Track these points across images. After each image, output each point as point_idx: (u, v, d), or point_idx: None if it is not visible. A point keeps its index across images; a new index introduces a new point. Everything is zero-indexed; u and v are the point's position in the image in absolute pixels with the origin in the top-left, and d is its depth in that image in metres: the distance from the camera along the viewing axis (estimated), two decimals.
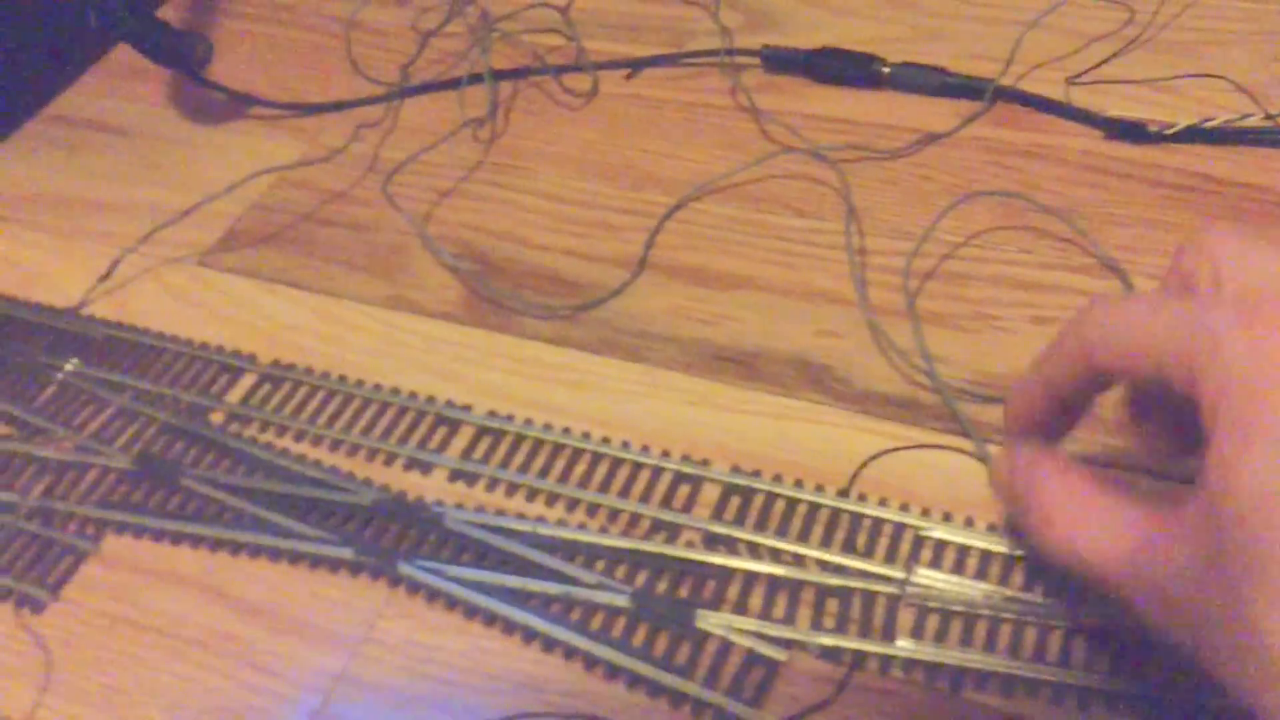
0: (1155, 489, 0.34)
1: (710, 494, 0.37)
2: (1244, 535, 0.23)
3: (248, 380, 0.43)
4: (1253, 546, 0.23)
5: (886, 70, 0.51)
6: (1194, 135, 0.46)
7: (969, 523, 0.35)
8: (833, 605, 0.34)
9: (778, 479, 0.37)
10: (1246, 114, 0.46)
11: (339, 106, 0.55)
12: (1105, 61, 0.51)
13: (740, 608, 0.34)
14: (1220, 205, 0.44)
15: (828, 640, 0.33)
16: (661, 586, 0.35)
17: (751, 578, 0.35)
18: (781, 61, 0.53)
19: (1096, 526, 0.27)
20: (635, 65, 0.55)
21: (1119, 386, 0.31)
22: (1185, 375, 0.25)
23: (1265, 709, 0.23)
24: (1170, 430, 0.30)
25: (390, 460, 0.39)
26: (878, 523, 0.35)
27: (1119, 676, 0.31)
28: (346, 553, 0.36)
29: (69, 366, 0.44)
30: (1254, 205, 0.44)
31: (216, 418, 0.42)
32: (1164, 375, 0.26)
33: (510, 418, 0.40)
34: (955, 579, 0.33)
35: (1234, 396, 0.24)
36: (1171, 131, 0.46)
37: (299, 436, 0.41)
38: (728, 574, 0.35)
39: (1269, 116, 0.46)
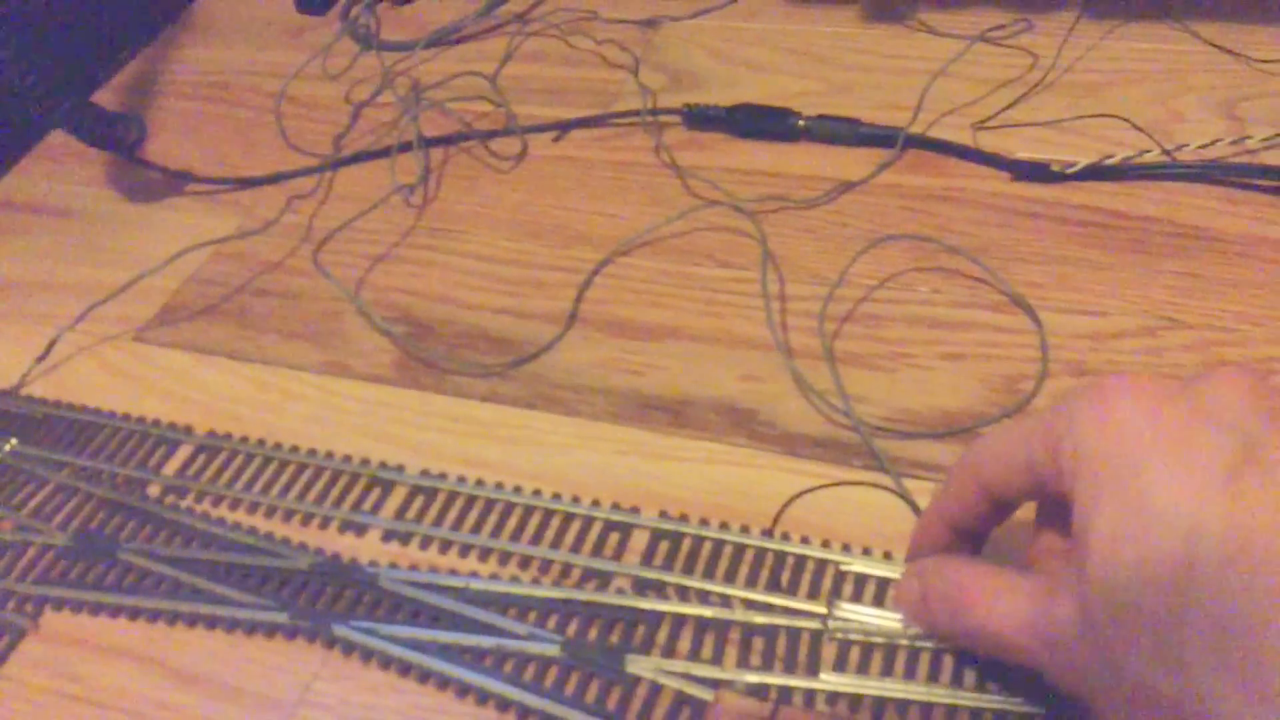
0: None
1: (640, 540, 0.38)
2: (1100, 580, 0.25)
3: (184, 452, 0.44)
4: (1108, 590, 0.25)
5: (802, 123, 0.53)
6: (1095, 173, 0.48)
7: (888, 556, 0.36)
8: (759, 643, 0.35)
9: (705, 522, 0.38)
10: (1144, 150, 0.48)
11: (273, 179, 0.56)
12: (1010, 106, 0.53)
13: (669, 650, 0.35)
14: (1121, 239, 0.46)
15: (753, 678, 0.33)
16: (593, 634, 0.36)
17: (680, 620, 0.35)
18: (702, 119, 0.55)
19: (1004, 604, 0.29)
20: (562, 127, 0.57)
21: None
22: (1052, 467, 0.28)
23: None
24: (1062, 534, 0.31)
25: (325, 523, 0.40)
26: (801, 560, 0.36)
27: (1032, 699, 0.32)
28: (282, 617, 0.37)
29: (8, 446, 0.45)
30: (1154, 238, 0.46)
31: (154, 490, 0.42)
32: (1037, 474, 0.28)
33: (443, 476, 0.41)
34: (876, 611, 0.34)
35: (1087, 465, 0.26)
36: (1074, 170, 0.48)
37: (235, 505, 0.41)
38: (657, 618, 0.36)
39: (1165, 152, 0.48)
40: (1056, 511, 0.30)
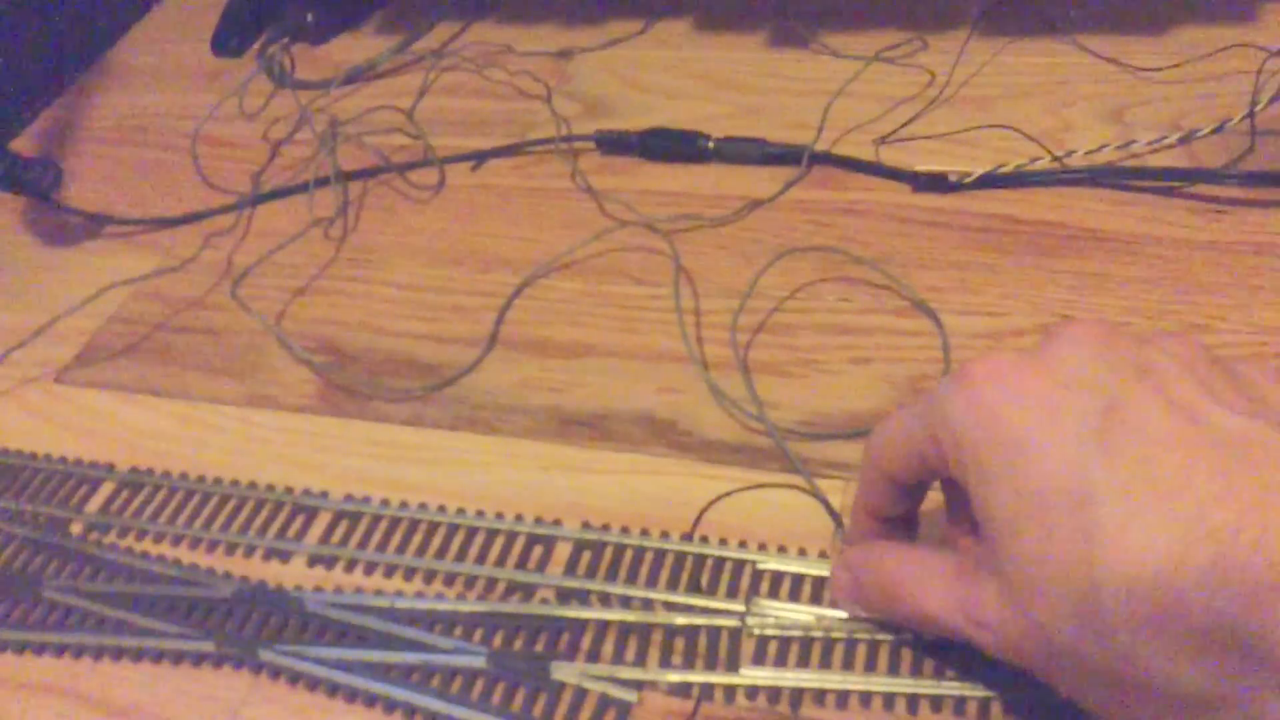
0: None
1: (563, 552, 0.39)
2: (1011, 558, 0.26)
3: (106, 489, 0.44)
4: (1020, 565, 0.26)
5: (711, 145, 0.55)
6: (990, 181, 0.50)
7: (803, 552, 0.37)
8: (680, 643, 0.35)
9: (626, 530, 0.39)
10: (1036, 158, 0.51)
11: (192, 218, 0.57)
12: (909, 122, 0.55)
13: (593, 656, 0.35)
14: (1016, 243, 0.48)
15: (676, 677, 0.34)
16: (518, 644, 0.36)
17: (603, 626, 0.36)
18: (615, 144, 0.56)
19: (932, 584, 0.30)
20: (479, 157, 0.58)
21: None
22: (936, 452, 0.29)
23: (1087, 702, 0.27)
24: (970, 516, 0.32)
25: (250, 552, 0.40)
26: (719, 561, 0.37)
27: (941, 679, 0.33)
28: (208, 646, 0.37)
29: None
30: (1048, 240, 0.48)
31: (76, 528, 0.42)
32: (927, 461, 0.30)
33: (367, 500, 0.41)
34: (792, 606, 0.35)
35: (969, 455, 0.28)
36: (970, 180, 0.50)
37: (159, 538, 0.41)
38: (581, 625, 0.36)
39: (1055, 158, 0.50)
40: (960, 493, 0.31)
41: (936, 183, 0.51)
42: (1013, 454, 0.26)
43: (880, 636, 0.34)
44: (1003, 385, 0.27)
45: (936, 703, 0.33)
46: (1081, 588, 0.25)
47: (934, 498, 0.33)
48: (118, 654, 0.38)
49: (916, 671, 0.33)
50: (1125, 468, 0.25)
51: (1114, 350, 0.27)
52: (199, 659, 0.37)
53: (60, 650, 0.38)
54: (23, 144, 0.66)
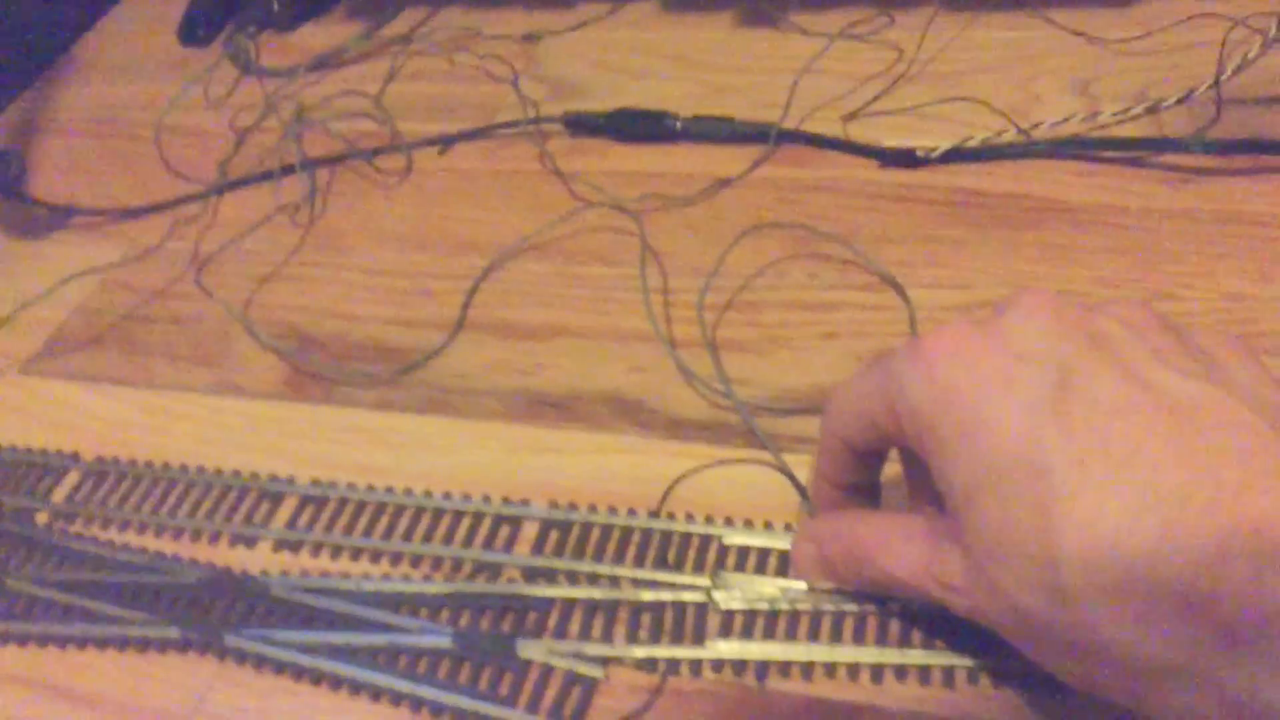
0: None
1: (530, 531, 0.39)
2: (972, 528, 0.26)
3: (72, 479, 0.43)
4: (982, 535, 0.26)
5: (679, 125, 0.54)
6: (956, 155, 0.50)
7: (768, 526, 0.37)
8: (646, 619, 0.35)
9: (593, 509, 0.39)
10: (1001, 131, 0.50)
11: (157, 208, 0.56)
12: (876, 98, 0.55)
13: (560, 633, 0.35)
14: (983, 215, 0.48)
15: (642, 652, 0.34)
16: (484, 624, 0.36)
17: (570, 604, 0.36)
18: (583, 125, 0.56)
19: (900, 548, 0.30)
20: (446, 141, 0.58)
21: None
22: (893, 423, 0.29)
23: (1046, 665, 0.27)
24: (930, 482, 0.32)
25: (215, 538, 0.40)
26: (685, 537, 0.37)
27: (906, 648, 0.33)
28: (173, 632, 0.37)
29: None
30: (1014, 212, 0.48)
31: (41, 518, 0.42)
32: (883, 430, 0.30)
33: (333, 484, 0.41)
34: (757, 579, 0.35)
35: (926, 427, 0.28)
36: (937, 154, 0.50)
37: (124, 526, 0.41)
38: (548, 603, 0.36)
39: (1021, 131, 0.50)
40: (917, 460, 0.31)
41: (903, 158, 0.51)
42: (968, 427, 0.26)
43: (846, 608, 0.34)
44: (956, 358, 0.27)
45: (901, 672, 0.33)
46: (1040, 558, 0.25)
47: (895, 468, 0.33)
48: (83, 642, 0.38)
49: (882, 641, 0.33)
50: (1079, 437, 0.25)
51: (1065, 319, 0.27)
52: (164, 645, 0.37)
53: (24, 639, 0.38)
54: None
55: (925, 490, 0.31)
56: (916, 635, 0.33)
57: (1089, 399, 0.25)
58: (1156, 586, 0.23)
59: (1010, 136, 0.50)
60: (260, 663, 0.36)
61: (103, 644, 0.37)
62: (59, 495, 0.43)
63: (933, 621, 0.33)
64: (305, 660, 0.35)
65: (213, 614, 0.37)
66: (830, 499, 0.34)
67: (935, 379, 0.27)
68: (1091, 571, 0.24)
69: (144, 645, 0.37)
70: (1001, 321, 0.28)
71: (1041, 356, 0.26)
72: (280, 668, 0.36)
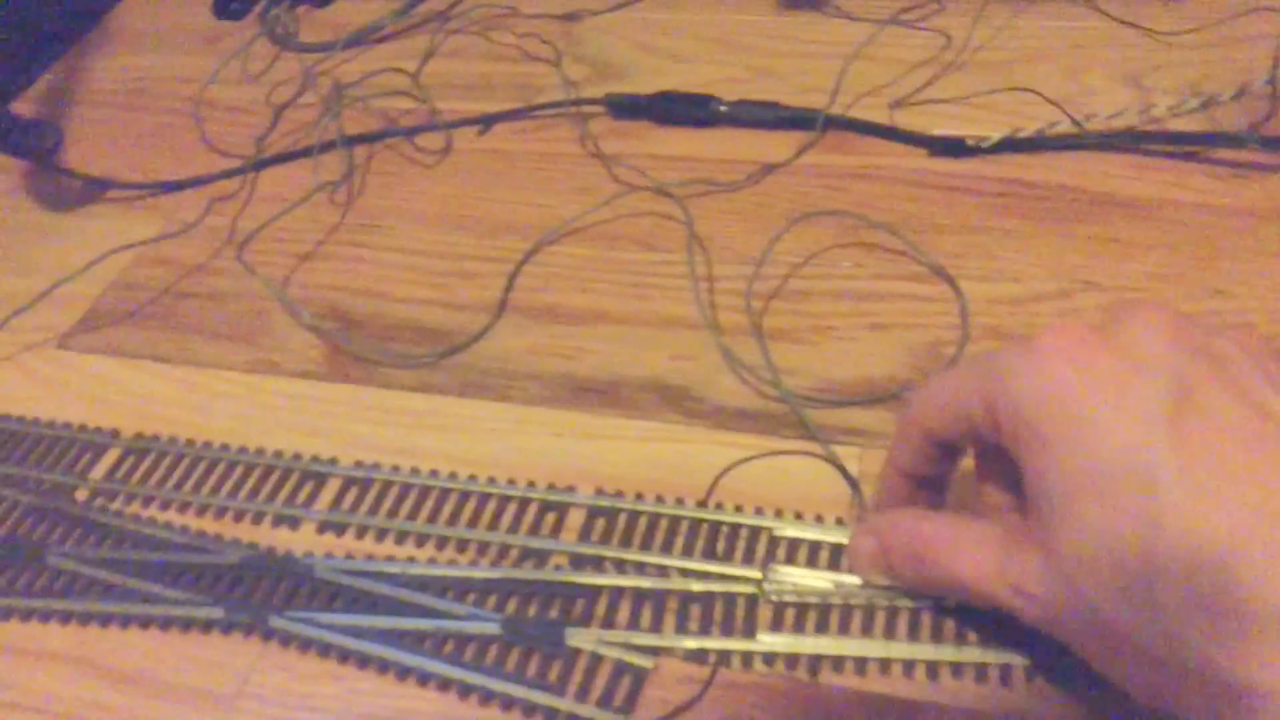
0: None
1: (576, 518, 0.38)
2: (1066, 534, 0.26)
3: (112, 455, 0.43)
4: (1075, 542, 0.26)
5: (724, 108, 0.54)
6: (1009, 146, 0.49)
7: (819, 519, 0.37)
8: (696, 610, 0.35)
9: (640, 497, 0.38)
10: (1055, 123, 0.50)
11: (194, 183, 0.56)
12: (926, 85, 0.54)
13: (608, 622, 0.35)
14: (1035, 208, 0.47)
15: (692, 643, 0.34)
16: (531, 611, 0.36)
17: (618, 592, 0.36)
18: (625, 108, 0.55)
19: (969, 552, 0.30)
20: (486, 121, 0.57)
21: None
22: (989, 419, 0.28)
23: (1121, 682, 0.27)
24: (1007, 484, 0.31)
25: (258, 518, 0.40)
26: (735, 528, 0.37)
27: (962, 646, 0.32)
28: (217, 612, 0.36)
29: None
30: (1067, 205, 0.47)
31: (81, 495, 0.42)
32: (974, 424, 0.29)
33: (377, 466, 0.41)
34: (809, 572, 0.35)
35: (1029, 426, 0.27)
36: (988, 144, 0.49)
37: (165, 505, 0.41)
38: (595, 592, 0.36)
39: (1075, 123, 0.49)
40: (996, 460, 0.31)
41: (953, 147, 0.50)
42: (1077, 428, 0.26)
43: (900, 603, 0.34)
44: (1071, 358, 0.27)
45: (958, 669, 0.32)
46: (1137, 568, 0.24)
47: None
48: (125, 621, 0.37)
49: (937, 638, 0.33)
50: (1192, 452, 0.24)
51: (1185, 336, 0.27)
52: (208, 625, 0.37)
53: (67, 617, 0.38)
54: (22, 107, 0.65)
55: (999, 491, 0.30)
56: (973, 633, 0.33)
57: (1204, 416, 0.25)
58: (1258, 610, 0.23)
59: (1063, 128, 0.49)
60: (305, 645, 0.36)
61: (145, 623, 0.37)
62: (98, 472, 0.42)
63: (989, 620, 0.33)
64: (351, 643, 0.35)
65: (256, 595, 0.37)
66: (897, 491, 0.33)
67: (1046, 376, 0.27)
68: (1192, 586, 0.23)
69: (187, 625, 0.37)
70: (1120, 328, 0.27)
71: (1160, 368, 0.26)
72: (325, 650, 0.35)
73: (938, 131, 0.51)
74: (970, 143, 0.50)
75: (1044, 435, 0.26)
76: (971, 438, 0.30)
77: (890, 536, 0.32)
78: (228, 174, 0.56)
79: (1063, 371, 0.27)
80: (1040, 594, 0.27)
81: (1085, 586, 0.25)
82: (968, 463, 0.33)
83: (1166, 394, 0.25)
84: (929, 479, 0.33)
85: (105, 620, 0.37)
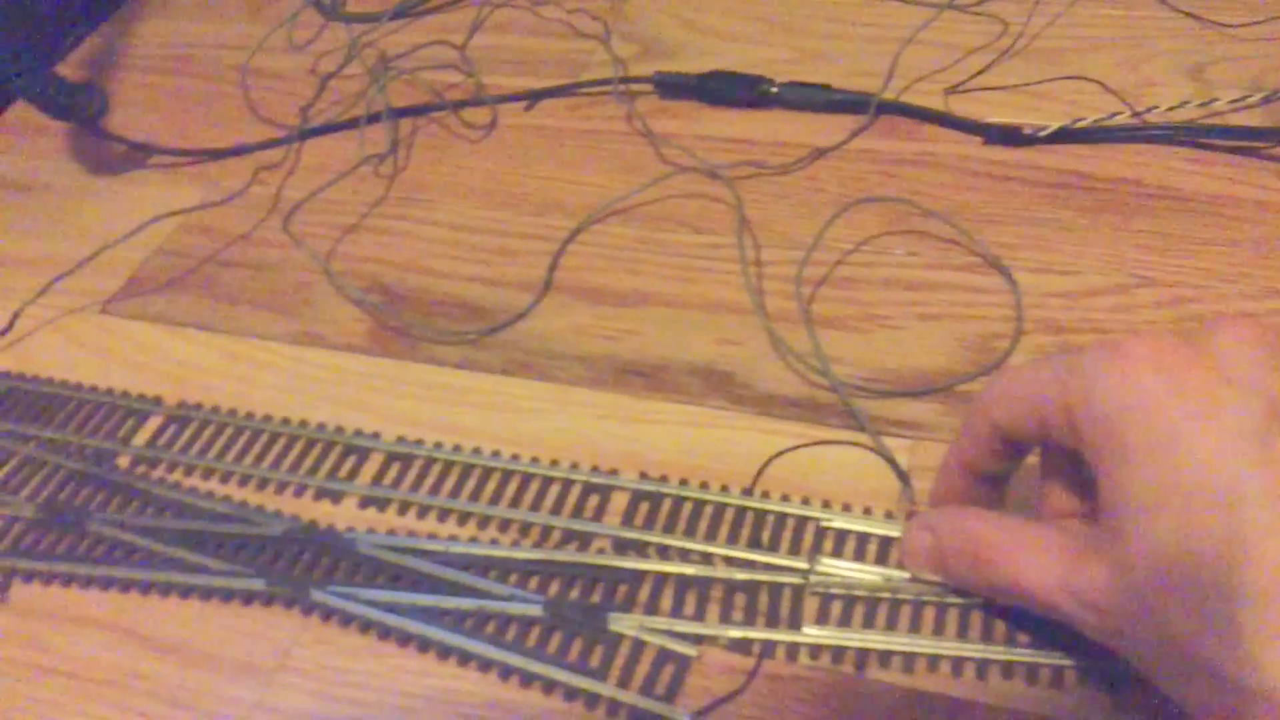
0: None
1: (619, 502, 0.38)
2: (1141, 547, 0.25)
3: (154, 423, 0.43)
4: (1150, 556, 0.25)
5: (774, 90, 0.53)
6: (1066, 136, 0.48)
7: (868, 511, 0.36)
8: (740, 599, 0.35)
9: (684, 483, 0.38)
10: (1114, 113, 0.49)
11: (239, 151, 0.56)
12: (981, 72, 0.53)
13: (651, 608, 0.35)
14: (1092, 200, 0.46)
15: (736, 633, 0.33)
16: (574, 594, 0.35)
17: (661, 578, 0.35)
18: (673, 86, 0.55)
19: (1032, 557, 0.29)
20: (533, 96, 0.56)
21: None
22: (1066, 422, 0.28)
23: (1185, 701, 0.26)
24: (1073, 489, 0.31)
25: (300, 491, 0.40)
26: (781, 518, 0.36)
27: (1013, 646, 0.32)
28: (258, 584, 0.36)
29: None
30: (1125, 198, 0.46)
31: (123, 461, 0.42)
32: (1047, 423, 0.28)
33: (419, 442, 0.40)
34: (856, 565, 0.34)
35: (1110, 434, 0.26)
36: (1045, 134, 0.48)
37: (207, 474, 0.41)
38: (638, 577, 0.35)
39: (1135, 114, 0.48)
40: (1064, 463, 0.30)
41: (1010, 135, 0.49)
42: (1160, 441, 0.25)
43: (950, 600, 0.33)
44: (1159, 368, 0.26)
45: (1008, 669, 0.32)
46: (1217, 590, 0.24)
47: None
48: (166, 589, 0.37)
49: (988, 636, 0.32)
50: None
51: (1277, 353, 0.26)
52: (249, 597, 0.36)
53: (107, 584, 0.38)
54: (66, 70, 0.65)
55: (1064, 494, 0.30)
56: (1024, 633, 0.32)
57: None
58: None
59: (1123, 119, 0.48)
60: (346, 620, 0.35)
61: (186, 592, 0.37)
62: (140, 439, 0.42)
63: (1043, 620, 0.32)
64: (392, 620, 0.35)
65: (298, 568, 0.37)
66: (955, 484, 0.32)
67: (1132, 385, 0.26)
68: (1273, 612, 0.23)
69: (228, 596, 0.37)
70: (1211, 341, 0.26)
71: (1252, 386, 0.25)
72: (366, 626, 0.35)
73: (993, 119, 0.50)
74: (1027, 132, 0.49)
75: (1126, 446, 0.26)
76: (1042, 438, 0.29)
77: (947, 534, 0.32)
78: (272, 143, 0.56)
79: (1150, 382, 0.26)
80: (1107, 607, 0.26)
81: (1158, 603, 0.25)
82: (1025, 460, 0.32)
83: (1258, 413, 0.25)
84: (990, 475, 0.32)
85: (145, 588, 0.37)
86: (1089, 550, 0.27)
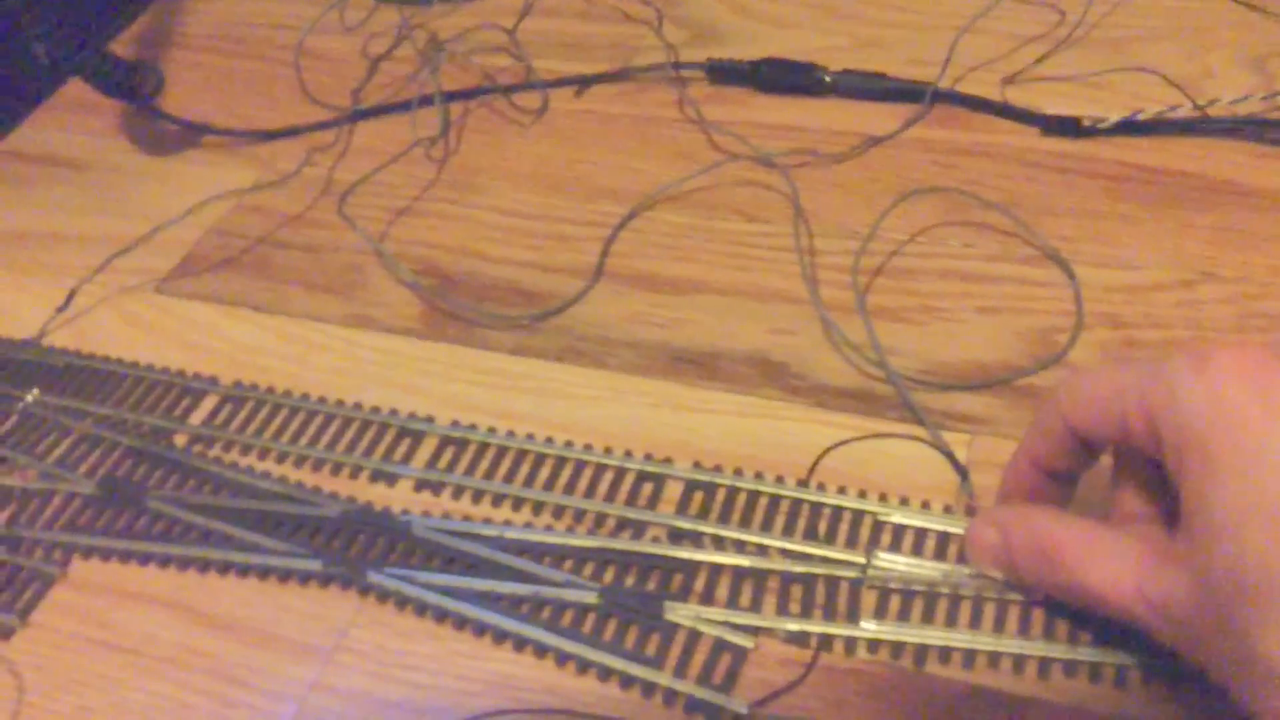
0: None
1: (674, 491, 0.38)
2: (1226, 560, 0.25)
3: (210, 402, 0.43)
4: (1235, 569, 0.24)
5: (828, 78, 0.52)
6: (1126, 128, 0.48)
7: (925, 506, 0.36)
8: (797, 591, 0.34)
9: (739, 473, 0.38)
10: (1175, 106, 0.48)
11: (292, 132, 0.56)
12: (1038, 61, 0.52)
13: (707, 599, 0.35)
14: (1153, 193, 0.45)
15: (794, 625, 0.33)
16: (629, 582, 0.35)
17: (717, 569, 0.35)
18: (726, 73, 0.54)
19: (1106, 562, 0.29)
20: (584, 82, 0.56)
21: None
22: (1147, 427, 0.27)
23: (1263, 715, 0.25)
24: (1147, 493, 0.31)
25: (355, 473, 0.40)
26: (837, 510, 0.36)
27: (1076, 644, 0.32)
28: (315, 564, 0.37)
29: (30, 396, 0.44)
30: (1187, 192, 0.45)
31: (180, 440, 0.42)
32: (1126, 427, 0.28)
33: (474, 427, 0.41)
34: (915, 560, 0.34)
35: (1195, 444, 0.26)
36: (1105, 125, 0.48)
37: (263, 454, 0.41)
38: (694, 567, 0.35)
39: (1197, 107, 0.48)
40: (1139, 467, 0.30)
41: (1068, 126, 0.48)
42: (1250, 455, 0.25)
43: (1010, 597, 0.33)
44: (1250, 381, 0.25)
45: (1070, 668, 0.31)
46: None
47: None
48: (224, 568, 0.37)
49: (1049, 634, 0.32)
50: None
51: None
52: (306, 577, 0.37)
53: (166, 561, 0.38)
54: (119, 48, 0.65)
55: (1137, 499, 0.29)
56: (1087, 632, 0.32)
57: None
58: None
59: (1185, 112, 0.48)
60: (402, 603, 0.36)
61: (244, 571, 0.37)
62: (197, 418, 0.43)
63: (1106, 620, 0.32)
64: (449, 604, 0.35)
65: (354, 550, 0.37)
66: (1023, 481, 0.32)
67: (1220, 396, 0.25)
68: None
69: (285, 576, 0.37)
70: None
71: None
72: (422, 609, 0.35)
73: (1050, 110, 0.49)
74: (1086, 123, 0.48)
75: (1212, 457, 0.25)
76: (1120, 440, 0.29)
77: (1017, 533, 0.31)
78: (324, 125, 0.56)
79: (1239, 395, 0.25)
80: (1184, 618, 0.26)
81: (1239, 616, 0.24)
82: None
83: None
84: (1060, 473, 0.32)
85: (204, 566, 0.38)
86: (1168, 559, 0.27)
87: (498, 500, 0.38)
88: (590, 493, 0.38)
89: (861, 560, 0.35)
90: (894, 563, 0.34)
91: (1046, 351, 0.40)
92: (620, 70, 0.56)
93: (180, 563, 0.38)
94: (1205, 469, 0.25)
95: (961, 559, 0.34)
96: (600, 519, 0.37)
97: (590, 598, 0.35)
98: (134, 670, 0.35)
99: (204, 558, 0.38)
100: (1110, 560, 0.28)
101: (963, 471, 0.36)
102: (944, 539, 0.35)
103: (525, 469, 0.39)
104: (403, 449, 0.40)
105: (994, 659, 0.32)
